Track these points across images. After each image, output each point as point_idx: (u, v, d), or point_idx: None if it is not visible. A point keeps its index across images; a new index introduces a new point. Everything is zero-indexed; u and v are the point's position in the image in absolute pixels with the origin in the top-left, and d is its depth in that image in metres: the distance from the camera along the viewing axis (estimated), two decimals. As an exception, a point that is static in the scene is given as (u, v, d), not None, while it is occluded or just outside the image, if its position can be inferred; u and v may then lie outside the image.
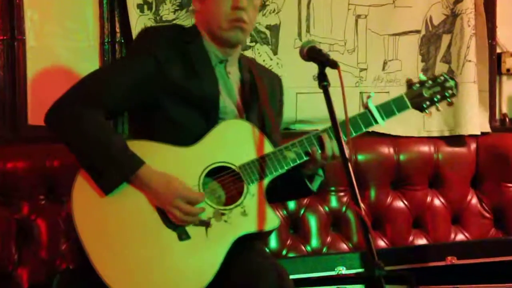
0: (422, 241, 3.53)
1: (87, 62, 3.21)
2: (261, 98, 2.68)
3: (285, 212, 3.41)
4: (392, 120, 3.56)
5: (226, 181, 2.52)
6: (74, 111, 2.43)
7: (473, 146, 3.68)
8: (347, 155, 2.12)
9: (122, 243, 2.40)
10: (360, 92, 3.55)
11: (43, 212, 3.11)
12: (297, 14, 3.47)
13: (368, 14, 3.54)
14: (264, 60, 3.43)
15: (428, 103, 2.68)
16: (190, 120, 2.52)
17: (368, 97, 2.60)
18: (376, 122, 2.63)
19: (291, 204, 3.42)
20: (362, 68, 3.56)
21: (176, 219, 2.41)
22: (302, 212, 3.43)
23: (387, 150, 3.54)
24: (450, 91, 2.70)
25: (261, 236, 2.55)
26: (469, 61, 3.63)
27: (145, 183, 2.41)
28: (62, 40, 3.23)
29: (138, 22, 3.23)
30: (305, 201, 3.43)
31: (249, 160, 2.51)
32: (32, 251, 3.09)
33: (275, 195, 2.61)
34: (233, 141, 2.53)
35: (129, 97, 2.51)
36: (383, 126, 2.65)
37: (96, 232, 2.39)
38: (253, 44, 3.43)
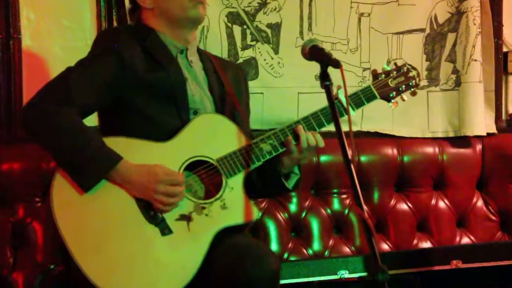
0: (426, 244, 3.54)
1: (84, 62, 3.21)
2: (226, 87, 2.74)
3: (286, 214, 3.41)
4: (396, 121, 3.60)
5: (204, 175, 2.57)
6: (48, 109, 2.46)
7: (478, 147, 3.68)
8: (349, 156, 2.12)
9: (104, 240, 2.43)
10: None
11: (39, 214, 3.10)
12: (299, 12, 3.47)
13: (372, 12, 3.55)
14: (265, 59, 3.44)
15: (394, 93, 2.74)
16: (160, 113, 2.57)
17: (339, 87, 2.61)
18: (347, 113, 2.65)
19: (293, 207, 3.42)
20: (365, 68, 3.56)
21: (163, 203, 2.46)
22: (303, 214, 3.42)
23: (390, 151, 3.54)
24: (413, 81, 2.77)
25: (241, 228, 2.60)
26: (475, 60, 3.64)
27: (125, 177, 2.46)
28: (59, 39, 3.23)
29: (136, 20, 3.23)
30: (307, 203, 3.43)
31: (226, 154, 2.56)
32: (27, 254, 3.08)
33: (252, 191, 2.66)
34: (210, 135, 2.59)
35: (99, 95, 2.55)
36: (354, 114, 2.68)
37: (77, 230, 2.42)
38: (254, 43, 3.43)
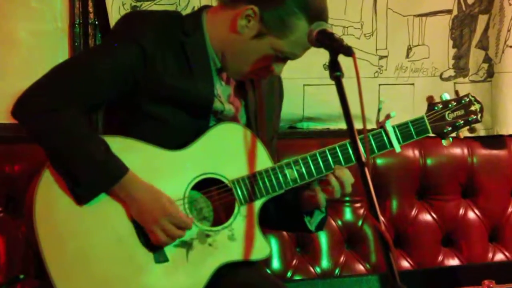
0: (453, 261, 3.55)
1: (54, 48, 3.22)
2: (259, 99, 2.70)
3: (290, 226, 3.41)
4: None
5: (215, 197, 2.55)
6: (49, 105, 2.42)
7: (514, 148, 3.69)
8: (363, 159, 2.10)
9: (88, 257, 2.42)
10: (380, 84, 3.56)
11: (1, 226, 3.09)
12: (305, -9, 3.46)
13: (389, -9, 3.55)
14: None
15: (450, 128, 2.72)
16: (176, 119, 2.54)
17: (388, 117, 2.62)
18: (391, 146, 2.67)
19: (298, 217, 3.42)
20: (382, 56, 3.57)
21: (157, 240, 2.44)
22: (310, 226, 3.42)
23: (411, 153, 3.55)
24: (473, 116, 2.75)
25: (246, 264, 2.56)
26: (510, 46, 3.65)
27: (129, 192, 2.44)
28: (25, 22, 3.22)
29: (115, 0, 3.22)
30: (314, 213, 3.43)
31: (244, 175, 2.54)
32: (-13, 273, 3.09)
33: (266, 221, 2.64)
34: (228, 149, 2.55)
35: (108, 90, 2.51)
36: (398, 151, 2.67)
37: (59, 241, 2.41)
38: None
